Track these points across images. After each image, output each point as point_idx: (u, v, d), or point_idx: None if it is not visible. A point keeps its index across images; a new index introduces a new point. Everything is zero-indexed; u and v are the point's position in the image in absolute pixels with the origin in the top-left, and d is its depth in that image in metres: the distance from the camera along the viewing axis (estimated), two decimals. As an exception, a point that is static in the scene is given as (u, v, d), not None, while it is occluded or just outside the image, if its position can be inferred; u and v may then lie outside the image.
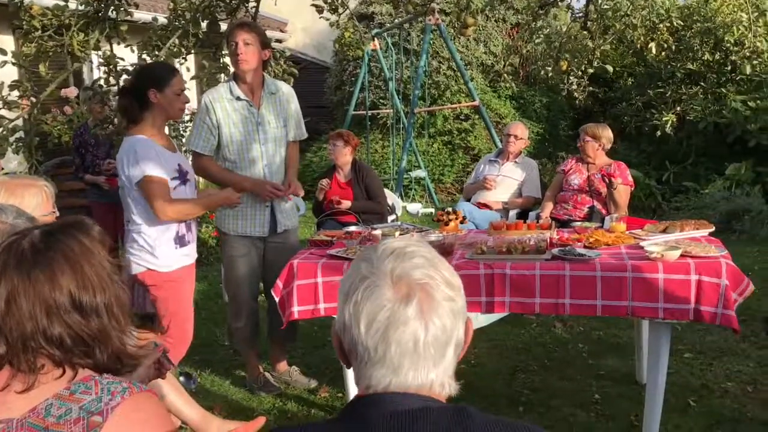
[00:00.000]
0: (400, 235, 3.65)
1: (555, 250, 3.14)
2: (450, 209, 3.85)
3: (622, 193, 5.12)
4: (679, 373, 3.84)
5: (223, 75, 4.83)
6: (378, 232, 3.64)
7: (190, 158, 3.77)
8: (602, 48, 4.89)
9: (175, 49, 3.90)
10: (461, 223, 3.85)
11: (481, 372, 3.98)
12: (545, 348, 4.34)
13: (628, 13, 4.73)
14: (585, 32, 4.71)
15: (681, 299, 2.87)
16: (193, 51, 4.58)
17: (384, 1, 9.20)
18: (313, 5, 4.95)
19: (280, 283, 3.28)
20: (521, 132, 5.69)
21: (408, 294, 1.02)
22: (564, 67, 4.96)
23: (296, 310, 3.22)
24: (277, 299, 3.29)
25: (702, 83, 9.01)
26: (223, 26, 4.74)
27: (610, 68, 5.11)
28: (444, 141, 10.39)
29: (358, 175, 5.43)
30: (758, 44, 4.47)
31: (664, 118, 8.78)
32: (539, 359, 4.14)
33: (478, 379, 3.87)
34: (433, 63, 10.11)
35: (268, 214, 3.74)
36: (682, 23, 7.06)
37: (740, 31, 4.84)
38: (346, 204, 5.31)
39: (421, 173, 9.28)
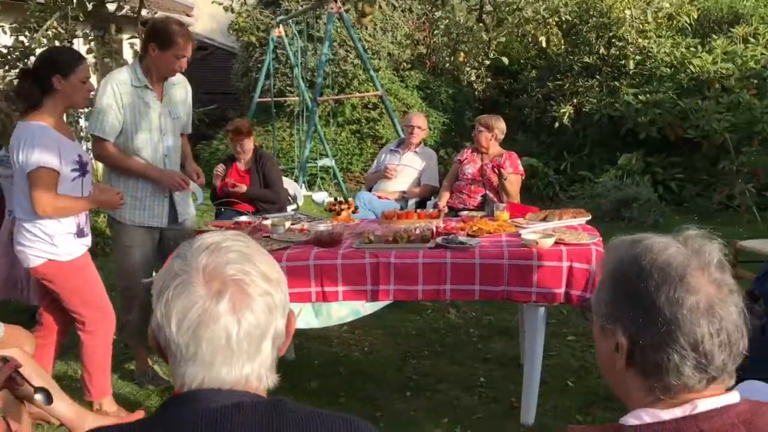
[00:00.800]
0: (291, 224, 3.66)
1: (439, 239, 3.22)
2: (341, 199, 3.88)
3: (513, 182, 5.29)
4: (561, 356, 4.03)
5: (111, 59, 4.68)
6: (268, 222, 3.63)
7: (86, 146, 3.64)
8: (498, 40, 4.98)
9: (54, 32, 3.72)
10: (353, 212, 3.89)
11: (373, 359, 4.05)
12: (438, 333, 4.46)
13: (521, 6, 4.85)
14: (480, 24, 4.80)
15: (553, 284, 3.01)
16: (79, 35, 4.40)
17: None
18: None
19: (162, 275, 3.22)
20: (422, 123, 5.79)
21: (220, 290, 1.03)
22: (461, 59, 5.06)
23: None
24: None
25: (598, 76, 9.42)
26: (111, 7, 4.59)
27: (505, 60, 5.25)
28: (352, 130, 10.41)
29: (257, 163, 5.38)
30: (640, 41, 4.67)
31: (561, 110, 9.12)
32: (431, 345, 4.25)
33: (371, 365, 3.94)
34: (341, 52, 10.10)
35: (167, 204, 3.69)
36: (570, 18, 7.35)
37: (623, 28, 5.06)
38: (241, 188, 5.24)
39: (328, 162, 9.27)
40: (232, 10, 10.80)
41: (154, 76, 3.54)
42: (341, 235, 3.31)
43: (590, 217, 3.69)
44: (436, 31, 5.47)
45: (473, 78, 5.49)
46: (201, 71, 13.53)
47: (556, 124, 9.21)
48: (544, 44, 4.80)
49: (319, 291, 3.11)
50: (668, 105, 8.39)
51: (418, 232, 3.26)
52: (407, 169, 5.76)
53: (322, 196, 8.80)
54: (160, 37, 3.44)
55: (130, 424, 1.11)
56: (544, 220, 3.63)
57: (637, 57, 4.74)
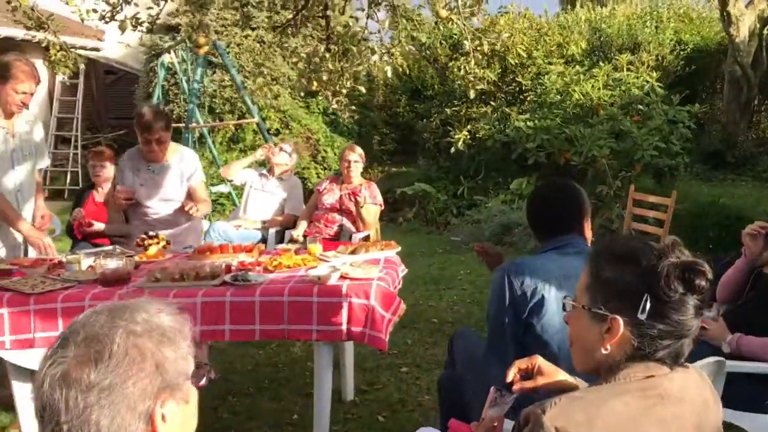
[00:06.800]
0: (94, 261, 3.54)
1: (227, 276, 3.15)
2: (151, 233, 3.78)
3: (371, 211, 5.29)
4: (386, 389, 3.98)
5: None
6: (67, 258, 3.50)
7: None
8: (354, 69, 4.98)
9: None
10: (164, 247, 3.79)
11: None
12: (274, 368, 4.36)
13: (365, 37, 4.87)
14: (327, 54, 4.80)
15: (334, 321, 2.97)
16: None
17: (188, 13, 9.01)
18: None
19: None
20: (283, 156, 5.76)
21: None
22: (314, 87, 5.05)
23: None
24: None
25: (492, 102, 9.58)
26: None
27: (363, 89, 5.25)
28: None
29: (116, 195, 5.25)
30: (477, 71, 4.74)
31: (456, 136, 9.23)
32: (260, 381, 4.15)
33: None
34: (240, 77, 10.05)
35: (21, 237, 3.70)
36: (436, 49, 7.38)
37: (463, 58, 5.13)
38: (98, 227, 5.11)
39: (224, 188, 9.14)
40: (140, 44, 10.69)
41: (2, 112, 3.54)
42: (129, 273, 3.21)
43: (399, 249, 3.68)
44: (295, 59, 5.46)
45: (334, 105, 5.48)
46: (111, 96, 13.34)
47: (452, 149, 9.32)
48: (388, 74, 4.81)
49: (95, 332, 3.00)
50: (556, 131, 8.56)
51: (207, 269, 3.19)
52: (270, 197, 5.71)
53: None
54: (0, 71, 3.45)
55: None
56: (354, 252, 3.60)
57: (478, 86, 4.79)
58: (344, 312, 2.96)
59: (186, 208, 4.00)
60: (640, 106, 8.64)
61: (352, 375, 3.88)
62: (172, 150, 4.17)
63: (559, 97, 9.10)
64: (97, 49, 12.62)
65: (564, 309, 1.53)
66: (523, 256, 2.25)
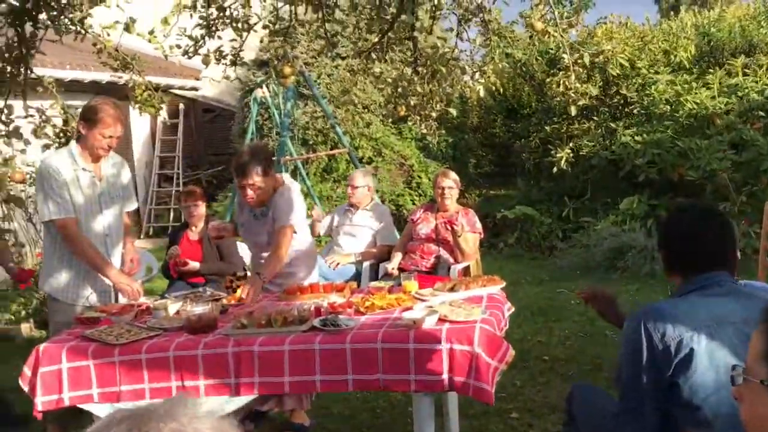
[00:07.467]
0: (182, 305, 3.39)
1: (316, 320, 2.90)
2: (241, 273, 3.60)
3: (469, 240, 4.96)
4: (494, 438, 3.61)
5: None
6: (158, 303, 3.37)
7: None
8: (446, 92, 4.72)
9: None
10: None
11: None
12: (372, 414, 4.07)
13: (455, 56, 4.59)
14: (415, 77, 4.56)
15: (433, 369, 2.65)
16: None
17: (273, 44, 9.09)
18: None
19: (27, 370, 2.98)
20: (359, 181, 5.53)
21: None
22: (401, 113, 4.81)
23: (39, 401, 2.92)
24: (26, 389, 2.99)
25: (594, 118, 9.02)
26: (40, 71, 4.46)
27: (453, 111, 4.97)
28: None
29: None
30: (578, 85, 4.34)
31: (558, 155, 8.72)
32: (358, 427, 3.88)
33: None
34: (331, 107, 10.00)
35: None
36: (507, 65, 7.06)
37: (562, 72, 4.74)
38: (194, 266, 5.06)
39: (319, 220, 9.05)
40: (240, 81, 10.89)
41: (89, 155, 3.49)
42: (215, 320, 3.02)
43: (503, 285, 3.32)
44: (382, 85, 5.25)
45: (424, 130, 5.21)
46: (209, 134, 13.68)
47: (554, 169, 8.81)
48: (481, 94, 4.50)
49: (179, 386, 2.81)
50: (667, 145, 7.92)
51: (295, 312, 2.95)
52: (360, 230, 5.48)
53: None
54: (87, 115, 3.43)
55: None
56: (452, 290, 3.27)
57: (580, 102, 4.39)
58: (445, 360, 2.64)
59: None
60: (761, 113, 7.87)
61: (457, 423, 3.53)
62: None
63: (668, 107, 8.45)
64: (195, 89, 13.01)
65: (732, 382, 1.15)
66: (660, 301, 1.84)
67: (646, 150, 8.00)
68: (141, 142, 12.00)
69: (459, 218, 4.95)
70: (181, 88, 12.41)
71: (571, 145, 8.85)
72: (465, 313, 2.81)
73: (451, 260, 4.98)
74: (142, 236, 11.57)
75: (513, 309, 3.28)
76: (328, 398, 4.23)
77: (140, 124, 11.54)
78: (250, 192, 3.52)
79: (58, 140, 3.70)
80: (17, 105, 3.55)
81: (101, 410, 2.91)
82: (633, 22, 10.02)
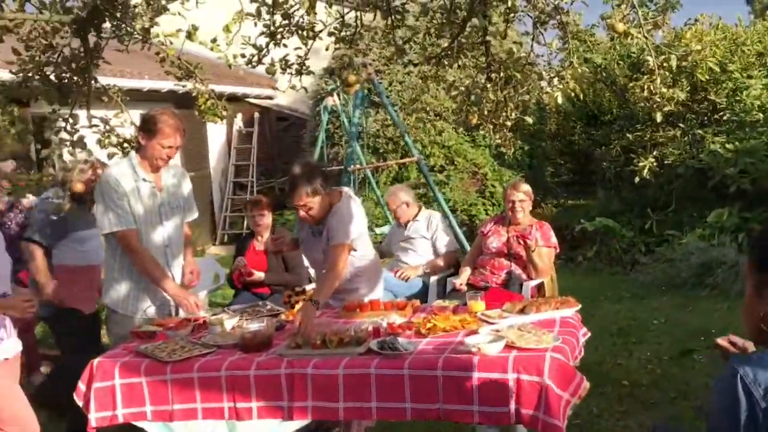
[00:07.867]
0: (239, 321, 3.28)
1: (374, 342, 2.73)
2: (299, 288, 3.47)
3: (543, 255, 4.68)
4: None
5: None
6: (213, 318, 3.28)
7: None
8: (522, 99, 4.47)
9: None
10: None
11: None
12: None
13: (531, 61, 4.33)
14: (488, 83, 4.33)
15: (498, 401, 2.43)
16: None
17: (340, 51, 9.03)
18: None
19: (82, 385, 2.94)
20: (396, 199, 5.37)
21: None
22: (473, 121, 4.58)
23: (93, 417, 2.86)
24: (80, 404, 2.94)
25: (681, 124, 8.51)
26: (116, 81, 4.44)
27: (529, 119, 4.70)
28: (419, 194, 10.03)
29: (275, 244, 5.12)
30: (663, 90, 4.01)
31: (640, 163, 8.25)
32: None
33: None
34: (401, 115, 9.86)
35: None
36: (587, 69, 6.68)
37: (646, 76, 4.40)
38: (259, 276, 5.00)
39: (387, 230, 8.90)
40: (306, 90, 10.92)
41: (148, 166, 3.47)
42: (270, 338, 2.89)
43: (579, 307, 3.05)
44: (454, 93, 5.03)
45: (498, 140, 4.96)
46: (283, 142, 13.80)
47: (636, 179, 8.35)
48: (560, 101, 4.22)
49: (231, 407, 2.70)
50: (762, 153, 7.36)
51: (352, 332, 2.79)
52: (416, 241, 5.31)
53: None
54: (146, 126, 3.41)
55: None
56: (522, 312, 3.04)
57: (665, 108, 4.06)
58: (511, 391, 2.41)
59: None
60: None
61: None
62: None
63: (762, 115, 7.86)
64: (270, 98, 13.14)
65: None
66: (764, 352, 1.54)
67: (738, 159, 7.47)
68: (217, 150, 12.18)
69: (533, 231, 4.69)
70: (257, 96, 12.56)
71: (655, 153, 8.35)
72: (535, 339, 2.58)
73: (524, 276, 4.71)
74: (216, 243, 11.74)
75: (589, 334, 3.01)
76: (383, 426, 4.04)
77: (217, 132, 11.72)
78: (302, 212, 3.40)
79: (122, 150, 3.66)
80: (82, 115, 3.53)
81: (155, 429, 2.83)
82: (724, 23, 9.43)
